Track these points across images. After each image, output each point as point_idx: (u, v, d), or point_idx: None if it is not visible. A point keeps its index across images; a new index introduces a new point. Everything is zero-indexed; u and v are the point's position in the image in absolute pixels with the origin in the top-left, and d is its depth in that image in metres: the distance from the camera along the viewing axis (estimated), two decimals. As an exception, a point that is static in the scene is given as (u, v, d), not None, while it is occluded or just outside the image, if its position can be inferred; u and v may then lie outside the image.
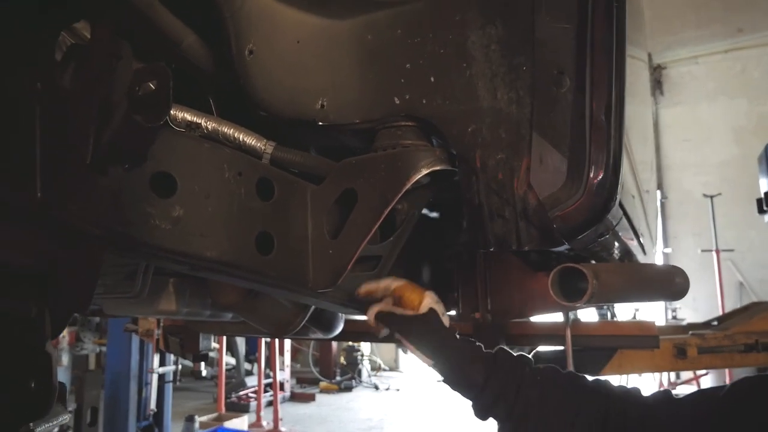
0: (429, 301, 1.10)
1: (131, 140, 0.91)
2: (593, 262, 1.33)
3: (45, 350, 0.89)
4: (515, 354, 1.08)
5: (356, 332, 2.37)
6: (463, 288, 1.83)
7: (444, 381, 1.10)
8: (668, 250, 9.59)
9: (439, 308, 1.10)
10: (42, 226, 0.85)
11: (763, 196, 2.77)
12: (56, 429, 0.92)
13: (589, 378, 1.06)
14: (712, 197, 8.32)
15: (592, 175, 0.92)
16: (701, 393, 0.94)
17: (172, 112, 1.11)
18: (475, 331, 2.01)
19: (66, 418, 0.93)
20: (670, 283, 1.04)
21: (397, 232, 1.24)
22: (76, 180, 0.82)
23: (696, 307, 8.42)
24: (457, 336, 1.09)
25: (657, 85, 10.14)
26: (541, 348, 2.30)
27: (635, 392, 1.02)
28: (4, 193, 0.78)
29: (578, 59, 0.93)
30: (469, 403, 1.09)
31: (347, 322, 2.00)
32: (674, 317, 8.20)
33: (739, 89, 9.70)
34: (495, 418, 1.05)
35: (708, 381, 8.24)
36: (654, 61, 9.99)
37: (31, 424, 0.84)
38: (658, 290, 1.04)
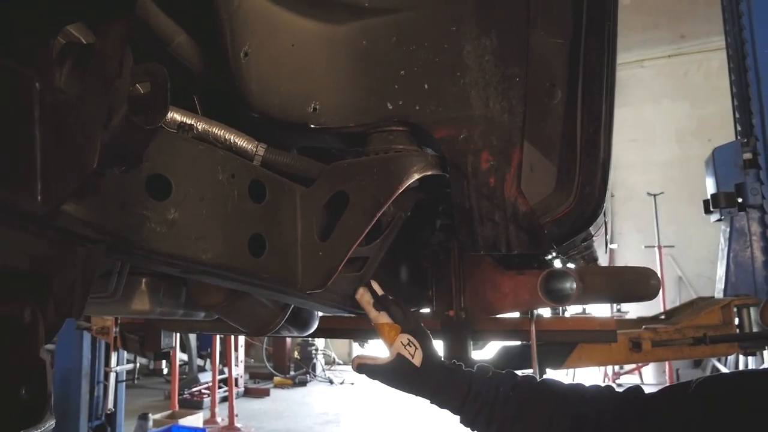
0: (397, 345, 1.17)
1: (130, 142, 0.90)
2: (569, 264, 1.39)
3: (39, 356, 0.87)
4: (491, 373, 1.15)
5: (329, 329, 2.38)
6: (438, 286, 1.87)
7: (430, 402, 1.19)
8: (614, 246, 9.99)
9: (408, 351, 1.16)
10: (40, 230, 0.83)
11: (709, 197, 2.94)
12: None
13: (564, 383, 1.12)
14: (655, 195, 8.71)
15: (582, 184, 0.97)
16: (671, 391, 0.99)
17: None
18: (443, 327, 2.05)
19: (52, 423, 0.90)
20: (645, 285, 1.11)
21: (384, 234, 1.27)
22: (77, 184, 0.81)
23: (639, 301, 8.80)
24: (437, 359, 1.16)
25: (605, 86, 10.49)
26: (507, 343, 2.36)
27: (608, 393, 1.07)
28: (2, 196, 0.76)
29: (570, 73, 0.98)
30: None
31: (321, 319, 2.01)
32: (618, 310, 8.55)
33: (682, 92, 10.18)
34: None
35: (649, 370, 8.65)
36: (602, 63, 10.31)
37: None
38: (635, 291, 1.11)
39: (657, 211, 8.72)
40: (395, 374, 1.17)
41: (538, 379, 1.15)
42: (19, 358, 0.88)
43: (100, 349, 4.59)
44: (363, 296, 1.23)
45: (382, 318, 1.22)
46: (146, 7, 1.07)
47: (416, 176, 1.10)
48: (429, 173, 1.12)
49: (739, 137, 2.99)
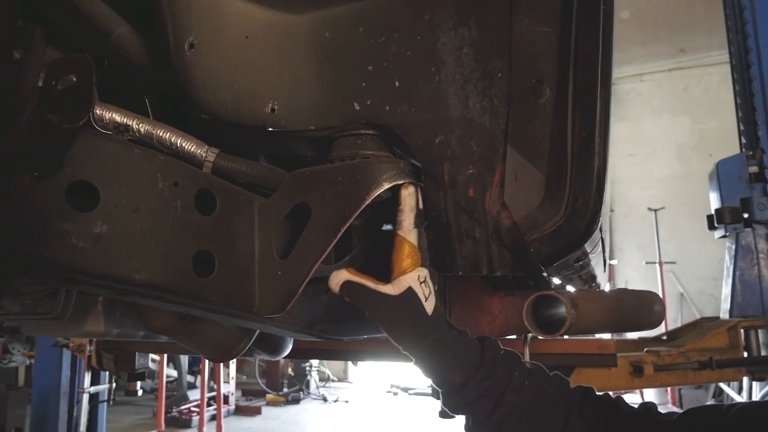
0: (411, 278, 0.91)
1: (43, 143, 0.77)
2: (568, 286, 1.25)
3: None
4: (503, 351, 0.95)
5: (306, 349, 2.24)
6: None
7: (415, 365, 0.96)
8: (614, 262, 9.82)
9: (422, 290, 0.91)
10: None
11: (713, 212, 2.81)
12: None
13: (576, 387, 0.96)
14: (656, 211, 8.57)
15: (574, 195, 0.83)
16: (699, 412, 0.84)
17: (98, 111, 0.97)
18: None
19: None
20: (649, 312, 0.97)
21: (354, 252, 1.13)
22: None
23: (639, 318, 8.62)
24: (445, 320, 0.94)
25: (604, 100, 10.39)
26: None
27: (623, 408, 0.92)
28: None
29: (560, 67, 0.84)
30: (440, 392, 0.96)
31: (297, 339, 1.86)
32: (619, 328, 8.35)
33: (682, 107, 10.08)
34: (470, 416, 0.93)
35: (650, 390, 8.45)
36: (602, 77, 10.23)
37: None
38: (638, 319, 0.97)
39: (658, 227, 8.57)
40: (398, 312, 0.90)
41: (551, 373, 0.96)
42: None
43: (80, 368, 4.42)
44: (412, 195, 0.96)
45: (413, 235, 0.95)
46: (79, -7, 0.95)
47: (386, 186, 0.96)
48: (401, 182, 0.98)
49: (743, 150, 2.86)
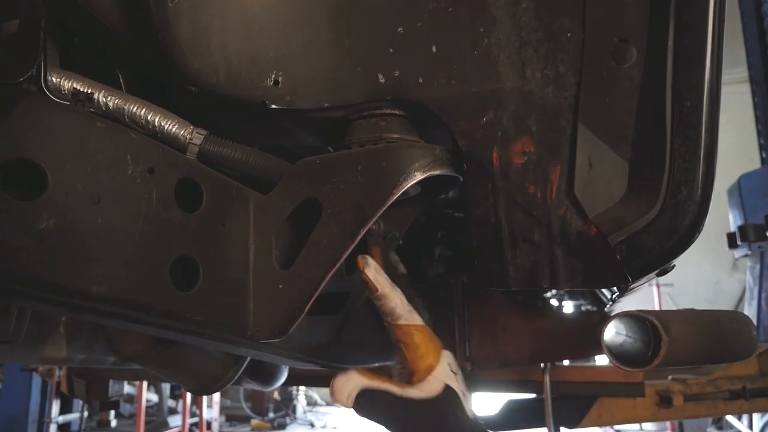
0: (443, 372, 0.72)
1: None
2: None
3: None
4: None
5: (297, 376, 2.01)
6: (437, 330, 1.51)
7: None
8: (609, 284, 9.66)
9: (456, 382, 0.73)
10: None
11: (736, 229, 2.64)
12: None
13: None
14: (651, 232, 8.44)
15: (675, 184, 0.64)
16: None
17: (54, 78, 0.77)
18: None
19: None
20: (748, 337, 0.77)
21: (371, 262, 0.92)
22: None
23: (635, 341, 8.46)
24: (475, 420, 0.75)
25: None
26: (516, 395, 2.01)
27: None
28: None
29: (654, 20, 0.65)
30: None
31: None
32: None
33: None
34: None
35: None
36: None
37: None
38: (735, 348, 0.77)
39: (653, 248, 8.44)
40: (437, 421, 0.70)
41: None
42: None
43: (51, 393, 4.12)
44: (377, 269, 0.77)
45: (415, 316, 0.78)
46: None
47: (419, 176, 0.76)
48: (437, 173, 0.78)
49: (764, 164, 2.71)
